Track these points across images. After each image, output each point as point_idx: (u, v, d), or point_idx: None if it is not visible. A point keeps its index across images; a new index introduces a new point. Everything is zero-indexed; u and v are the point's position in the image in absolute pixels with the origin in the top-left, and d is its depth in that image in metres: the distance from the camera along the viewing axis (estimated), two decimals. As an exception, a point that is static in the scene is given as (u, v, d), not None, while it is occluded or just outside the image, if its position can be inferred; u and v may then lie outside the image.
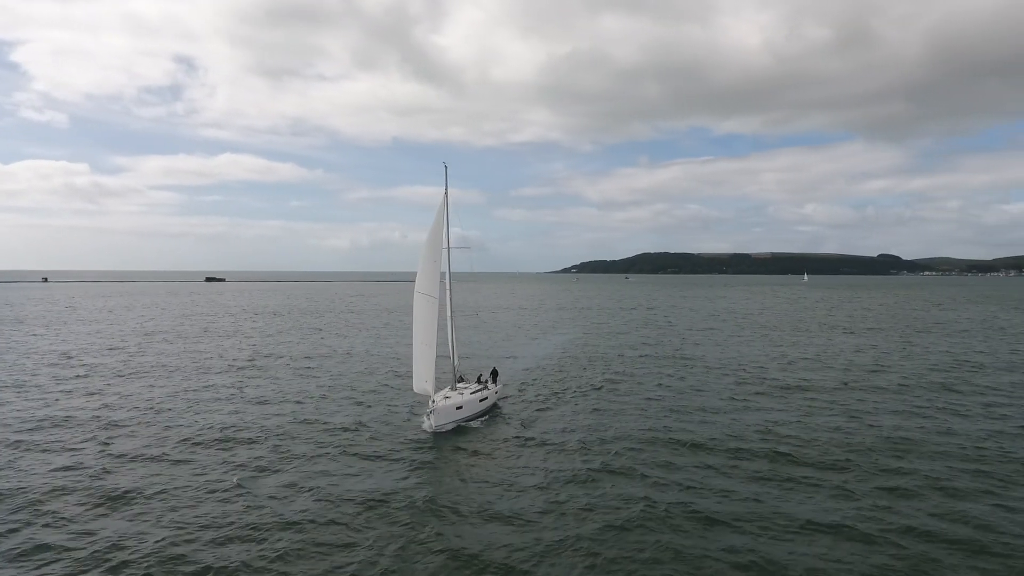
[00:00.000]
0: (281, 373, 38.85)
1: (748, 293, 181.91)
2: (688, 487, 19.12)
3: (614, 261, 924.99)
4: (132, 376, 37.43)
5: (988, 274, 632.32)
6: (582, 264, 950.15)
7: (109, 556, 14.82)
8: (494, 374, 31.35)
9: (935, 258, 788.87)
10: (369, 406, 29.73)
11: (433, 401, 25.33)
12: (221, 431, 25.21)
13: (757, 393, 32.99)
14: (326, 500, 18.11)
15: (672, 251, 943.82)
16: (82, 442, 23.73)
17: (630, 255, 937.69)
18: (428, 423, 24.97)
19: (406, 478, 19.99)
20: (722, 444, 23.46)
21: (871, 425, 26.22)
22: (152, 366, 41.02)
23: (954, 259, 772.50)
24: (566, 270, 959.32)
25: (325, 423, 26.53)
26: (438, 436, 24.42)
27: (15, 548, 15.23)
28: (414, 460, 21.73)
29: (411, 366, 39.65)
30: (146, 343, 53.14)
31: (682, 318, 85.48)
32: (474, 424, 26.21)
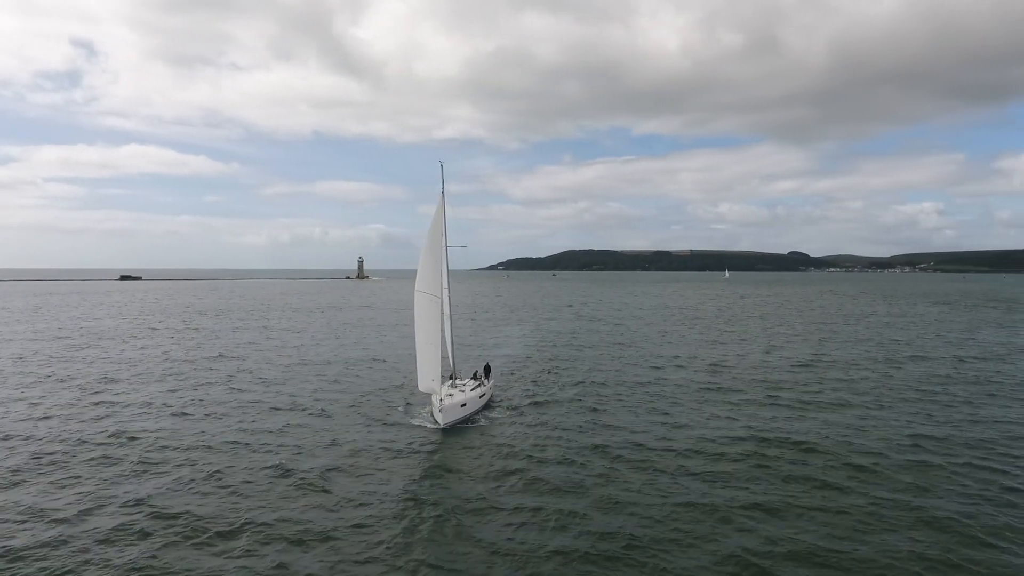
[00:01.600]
0: (267, 374, 37.55)
1: (680, 289, 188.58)
2: (709, 477, 19.99)
3: (540, 258, 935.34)
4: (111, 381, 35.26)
5: (886, 270, 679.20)
6: (508, 261, 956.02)
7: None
8: (487, 370, 31.54)
9: (840, 255, 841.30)
10: (367, 404, 29.34)
11: (441, 399, 25.28)
12: (220, 433, 24.30)
13: (741, 383, 34.63)
14: (338, 501, 17.87)
15: (596, 248, 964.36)
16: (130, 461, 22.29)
17: (555, 252, 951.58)
18: (437, 420, 24.98)
19: (424, 477, 19.99)
20: (721, 435, 24.59)
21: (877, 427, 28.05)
22: (125, 368, 38.72)
23: (856, 256, 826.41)
24: (492, 267, 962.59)
25: (325, 422, 26.00)
26: (447, 432, 24.45)
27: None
28: (429, 457, 21.73)
29: (399, 363, 40.49)
30: (109, 344, 49.97)
31: (639, 315, 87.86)
32: (478, 420, 26.41)
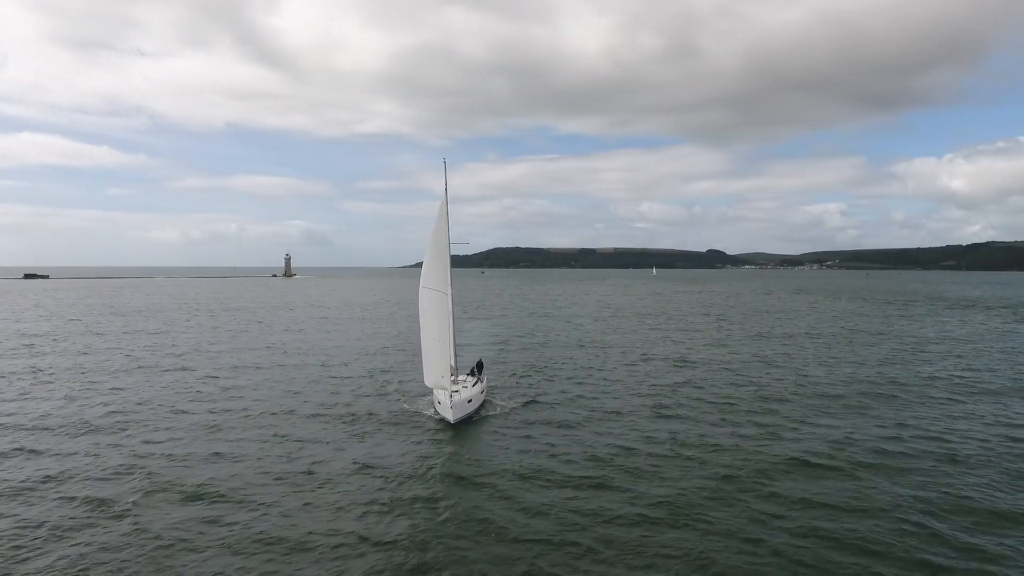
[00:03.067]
0: (248, 375, 36.14)
1: (614, 286, 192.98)
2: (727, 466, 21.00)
3: (467, 256, 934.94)
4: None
5: (796, 267, 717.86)
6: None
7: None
8: (479, 366, 31.74)
9: (754, 253, 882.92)
10: (366, 402, 28.87)
11: (451, 395, 25.32)
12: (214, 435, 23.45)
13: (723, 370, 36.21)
14: (360, 502, 17.70)
15: (523, 246, 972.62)
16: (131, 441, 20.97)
17: (482, 250, 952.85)
18: (447, 416, 25.00)
19: (449, 474, 20.01)
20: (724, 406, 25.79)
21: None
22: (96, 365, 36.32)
23: (769, 254, 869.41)
24: (419, 265, 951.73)
25: (326, 421, 25.52)
26: (458, 428, 24.54)
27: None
28: (450, 453, 21.78)
29: (384, 360, 40.02)
30: (67, 344, 46.54)
31: (586, 311, 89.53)
32: (480, 415, 26.70)
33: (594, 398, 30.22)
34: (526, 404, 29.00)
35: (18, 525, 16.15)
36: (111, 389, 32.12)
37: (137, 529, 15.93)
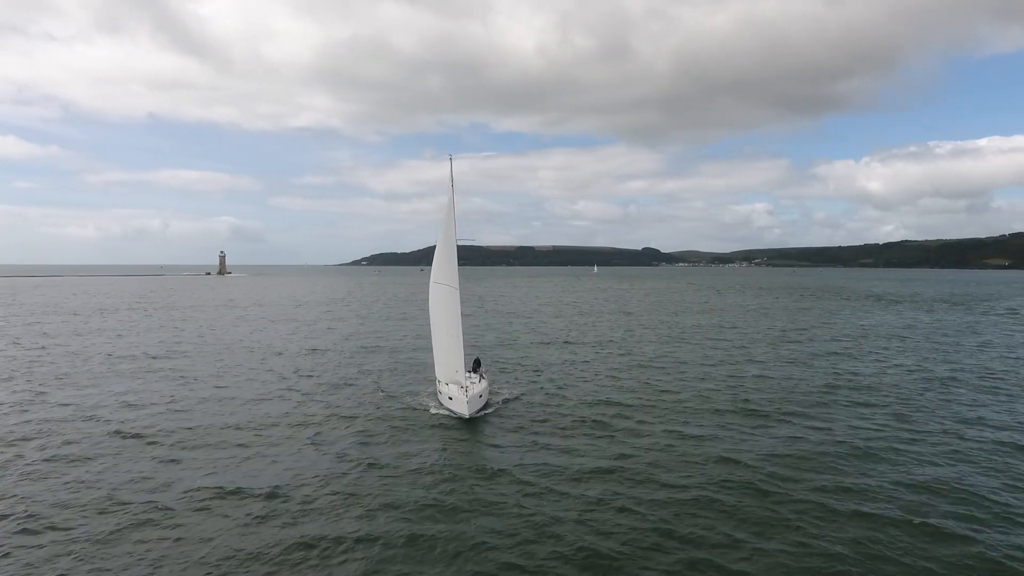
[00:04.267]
0: (249, 370, 35.25)
1: (560, 284, 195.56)
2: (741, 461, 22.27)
3: (405, 253, 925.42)
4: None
5: (727, 265, 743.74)
6: (372, 256, 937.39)
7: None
8: (476, 363, 32.01)
9: (687, 251, 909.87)
10: (372, 398, 28.81)
11: (466, 390, 25.68)
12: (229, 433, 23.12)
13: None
14: (391, 501, 17.95)
15: (461, 244, 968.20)
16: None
17: (421, 247, 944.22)
18: (461, 411, 25.27)
19: (479, 468, 20.49)
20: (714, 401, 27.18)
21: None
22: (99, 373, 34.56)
23: (702, 252, 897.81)
24: (356, 262, 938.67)
25: (340, 419, 25.43)
26: (474, 422, 24.85)
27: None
28: (477, 447, 22.23)
29: (381, 356, 39.69)
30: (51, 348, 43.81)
31: (541, 308, 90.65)
32: (487, 410, 27.03)
33: (590, 392, 31.10)
34: (526, 398, 29.53)
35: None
36: (118, 393, 30.92)
37: (170, 529, 15.80)
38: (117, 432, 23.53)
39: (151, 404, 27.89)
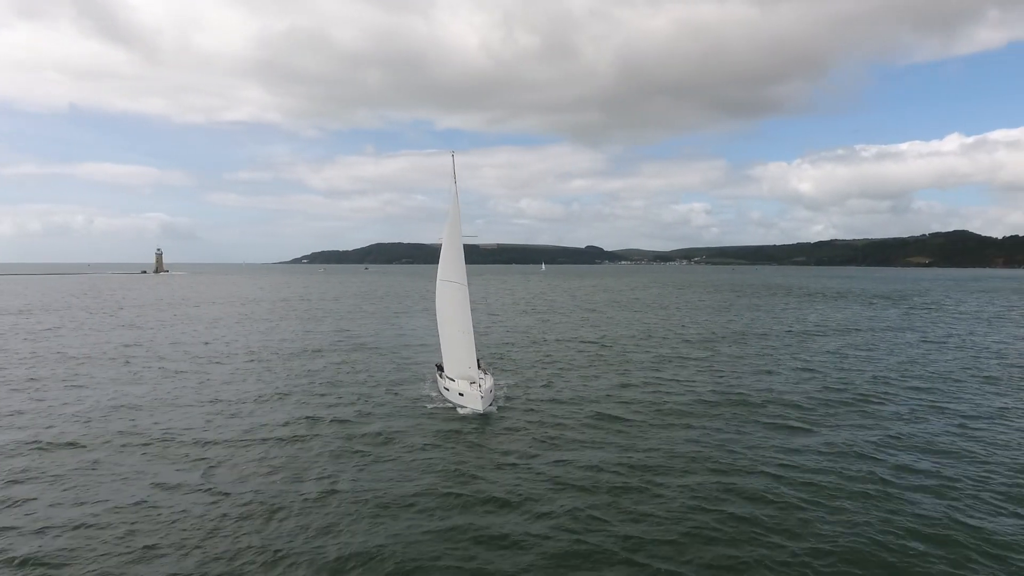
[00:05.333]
0: (254, 370, 34.57)
1: (511, 282, 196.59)
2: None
3: (347, 251, 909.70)
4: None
5: (668, 263, 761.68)
6: (313, 254, 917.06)
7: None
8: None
9: (629, 249, 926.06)
10: (379, 395, 29.00)
11: (480, 386, 26.11)
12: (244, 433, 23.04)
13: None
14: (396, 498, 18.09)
15: (405, 241, 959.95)
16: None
17: (364, 245, 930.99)
18: (475, 406, 25.62)
19: (505, 463, 21.15)
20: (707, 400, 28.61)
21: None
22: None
23: (643, 250, 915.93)
24: (297, 260, 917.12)
25: (344, 417, 25.61)
26: (487, 417, 25.33)
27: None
28: (497, 441, 22.85)
29: (379, 353, 39.39)
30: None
31: (503, 305, 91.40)
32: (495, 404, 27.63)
33: (582, 387, 32.17)
34: (521, 394, 30.23)
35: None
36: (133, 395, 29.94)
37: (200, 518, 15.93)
38: (163, 436, 23.13)
39: (172, 405, 27.41)
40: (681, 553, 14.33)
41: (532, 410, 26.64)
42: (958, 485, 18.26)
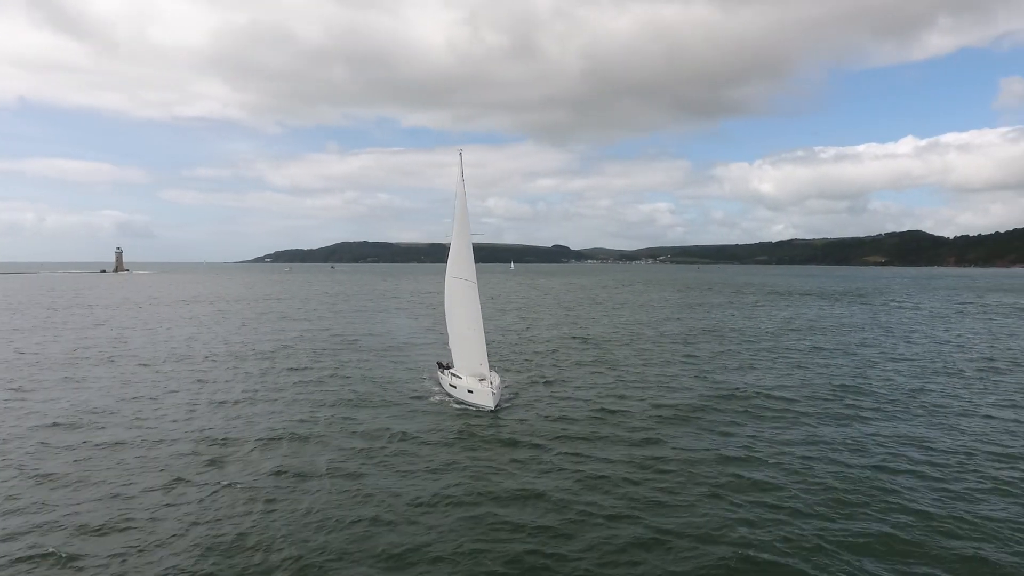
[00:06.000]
0: (263, 369, 34.31)
1: (486, 280, 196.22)
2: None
3: (312, 250, 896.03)
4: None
5: (633, 262, 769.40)
6: (276, 253, 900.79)
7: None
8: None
9: (595, 248, 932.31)
10: (393, 392, 29.35)
11: (491, 383, 26.51)
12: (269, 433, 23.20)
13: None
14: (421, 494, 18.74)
15: (371, 240, 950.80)
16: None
17: (328, 244, 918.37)
18: (487, 404, 25.86)
19: (532, 459, 21.78)
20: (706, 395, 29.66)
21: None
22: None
23: (609, 249, 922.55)
24: (260, 259, 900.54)
25: (352, 416, 25.90)
26: (499, 413, 25.72)
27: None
28: (517, 437, 23.44)
29: (372, 351, 39.49)
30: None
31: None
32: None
33: (583, 382, 32.99)
34: (522, 390, 30.88)
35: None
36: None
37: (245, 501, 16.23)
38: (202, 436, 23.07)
39: (194, 404, 27.29)
40: (706, 541, 15.16)
41: (538, 406, 27.18)
42: (933, 466, 19.54)
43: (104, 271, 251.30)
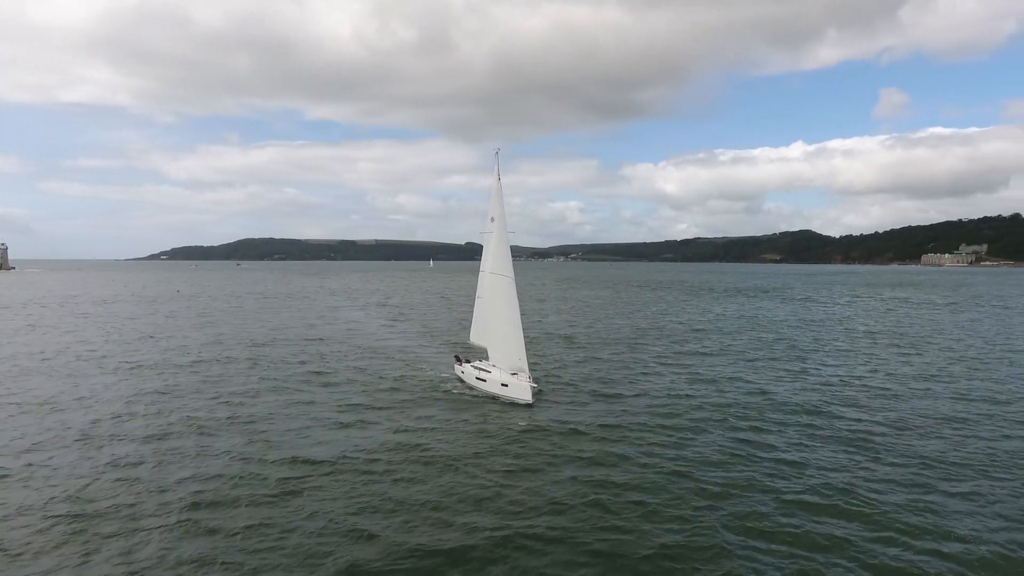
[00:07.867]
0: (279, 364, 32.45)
1: (407, 279, 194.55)
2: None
3: (213, 247, 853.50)
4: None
5: (546, 259, 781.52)
6: (174, 250, 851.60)
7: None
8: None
9: (510, 246, 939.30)
10: (411, 386, 28.86)
11: (530, 377, 26.85)
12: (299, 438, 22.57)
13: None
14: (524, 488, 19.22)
15: (277, 237, 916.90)
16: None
17: (230, 240, 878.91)
18: (527, 398, 26.18)
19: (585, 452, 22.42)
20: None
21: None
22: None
23: (522, 247, 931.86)
24: (154, 256, 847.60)
25: (378, 405, 25.57)
26: (535, 408, 26.03)
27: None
28: (557, 432, 23.91)
29: (395, 350, 38.19)
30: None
31: (423, 303, 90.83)
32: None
33: (596, 378, 33.82)
34: (546, 383, 31.41)
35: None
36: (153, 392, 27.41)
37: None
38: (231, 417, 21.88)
39: (203, 395, 25.81)
40: (756, 535, 16.30)
41: (570, 401, 27.65)
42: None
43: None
